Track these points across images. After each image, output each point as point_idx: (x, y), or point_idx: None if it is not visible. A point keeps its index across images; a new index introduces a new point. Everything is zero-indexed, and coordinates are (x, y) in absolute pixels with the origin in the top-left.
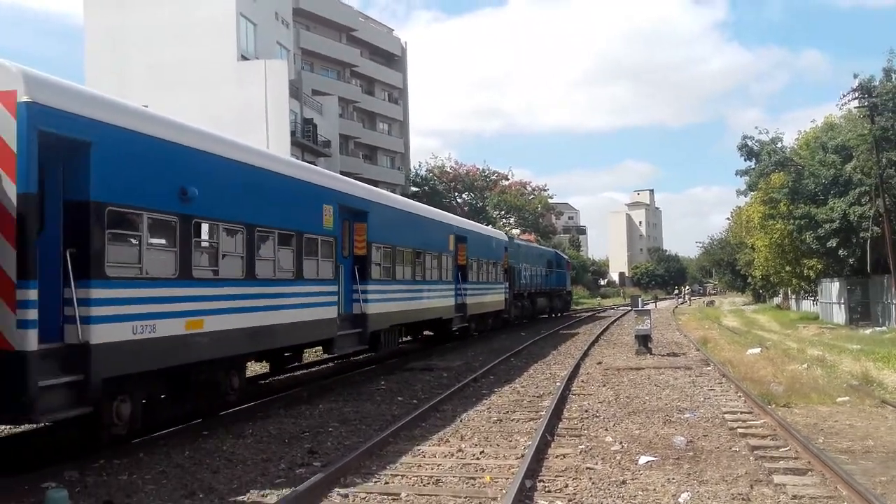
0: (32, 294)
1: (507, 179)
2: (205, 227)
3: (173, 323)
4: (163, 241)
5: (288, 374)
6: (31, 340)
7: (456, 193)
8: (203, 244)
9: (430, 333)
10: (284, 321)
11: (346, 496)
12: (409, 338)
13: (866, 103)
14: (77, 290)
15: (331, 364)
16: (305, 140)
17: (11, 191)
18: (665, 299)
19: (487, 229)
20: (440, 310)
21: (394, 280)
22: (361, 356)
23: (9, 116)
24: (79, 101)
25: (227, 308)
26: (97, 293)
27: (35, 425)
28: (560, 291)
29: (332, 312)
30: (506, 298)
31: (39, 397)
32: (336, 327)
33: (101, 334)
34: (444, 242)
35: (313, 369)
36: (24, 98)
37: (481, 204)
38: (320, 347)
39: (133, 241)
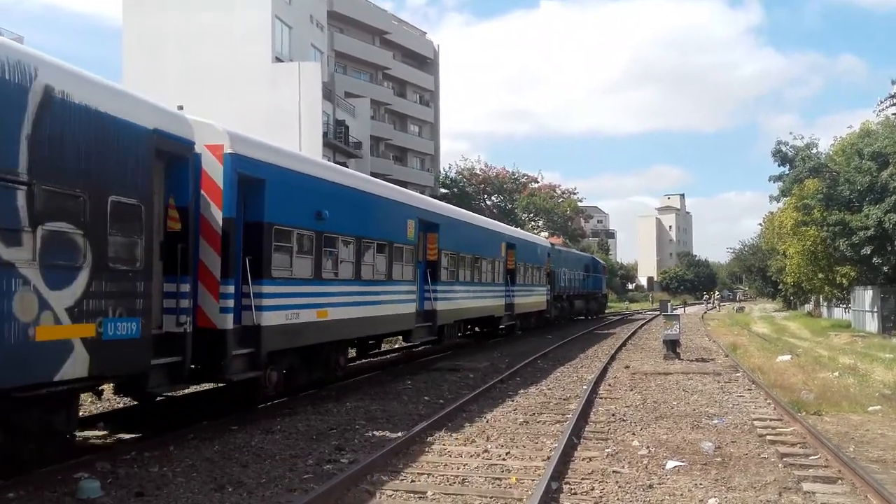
0: (230, 289)
1: (537, 182)
2: (331, 240)
3: (310, 312)
4: (305, 251)
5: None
6: (228, 322)
7: (485, 196)
8: (329, 253)
9: (477, 329)
10: (379, 314)
11: (373, 494)
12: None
13: None
14: (253, 287)
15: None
16: (337, 141)
17: (218, 215)
18: (694, 304)
19: (533, 237)
20: (493, 308)
21: (457, 282)
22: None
23: (217, 162)
24: (258, 150)
25: (343, 302)
26: (266, 289)
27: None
28: (596, 294)
29: (411, 308)
30: (547, 300)
31: (232, 363)
32: (414, 320)
33: (267, 319)
34: (497, 249)
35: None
36: (228, 150)
37: (510, 206)
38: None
39: (287, 251)
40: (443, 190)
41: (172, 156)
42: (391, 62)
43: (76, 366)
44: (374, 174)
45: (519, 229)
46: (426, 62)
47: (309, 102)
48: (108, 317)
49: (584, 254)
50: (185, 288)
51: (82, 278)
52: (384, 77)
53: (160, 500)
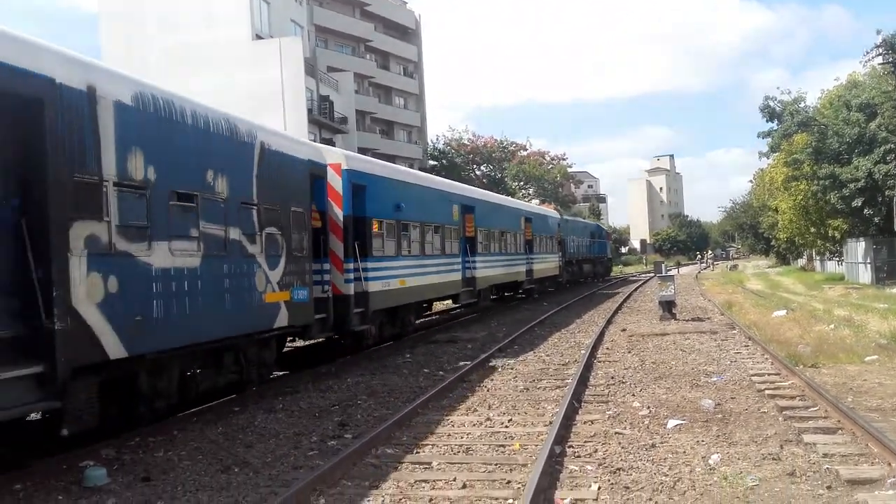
0: (350, 266)
1: (525, 150)
2: (405, 226)
3: (395, 281)
4: (390, 236)
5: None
6: (350, 288)
7: (474, 166)
8: (405, 236)
9: (505, 294)
10: (437, 281)
11: (379, 467)
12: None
13: (890, 59)
14: (361, 263)
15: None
16: (322, 117)
17: (340, 214)
18: (687, 265)
19: (545, 210)
20: (517, 274)
21: (489, 253)
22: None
23: (337, 176)
24: (362, 164)
25: (414, 273)
26: (370, 265)
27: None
28: (602, 258)
29: (457, 276)
30: (560, 265)
31: (352, 318)
32: (460, 286)
33: (372, 287)
34: (518, 223)
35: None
36: (345, 167)
37: (500, 175)
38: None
39: (380, 236)
40: (431, 162)
41: (316, 175)
42: (373, 34)
43: (281, 319)
44: (361, 149)
45: (533, 203)
46: (408, 32)
47: (292, 79)
48: (294, 287)
49: (589, 222)
50: (326, 266)
51: (283, 262)
52: (366, 50)
53: (167, 484)
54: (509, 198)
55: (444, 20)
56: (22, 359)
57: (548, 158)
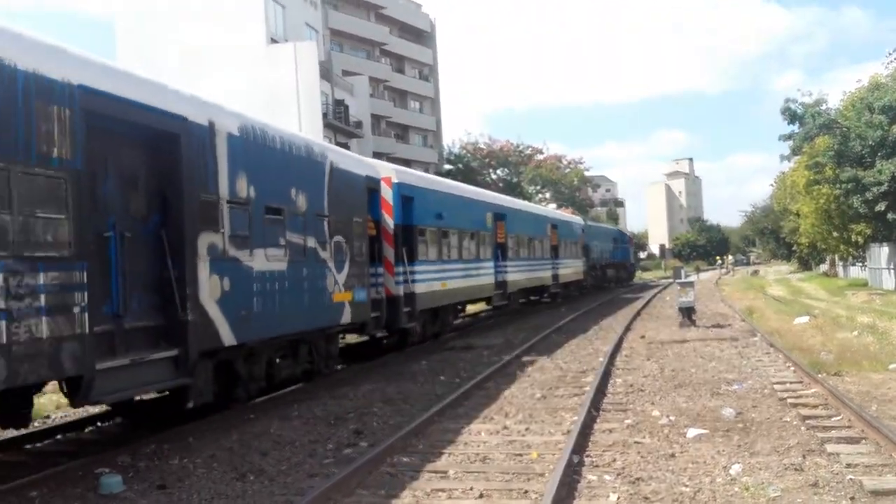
0: (400, 269)
1: (542, 153)
2: (445, 233)
3: (437, 284)
4: (433, 242)
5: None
6: (399, 290)
7: (490, 170)
8: (445, 241)
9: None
10: (473, 284)
11: (395, 476)
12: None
13: None
14: (409, 267)
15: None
16: (337, 121)
17: (391, 223)
18: (707, 270)
19: (570, 216)
20: (544, 279)
21: (519, 258)
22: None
23: (388, 189)
24: (409, 178)
25: (453, 276)
26: (417, 268)
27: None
28: (625, 263)
29: (491, 280)
30: (584, 270)
31: (402, 317)
32: (493, 289)
33: (418, 288)
34: (544, 229)
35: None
36: (395, 180)
37: (516, 180)
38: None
39: (424, 242)
40: (447, 166)
41: (372, 189)
42: (388, 37)
43: (345, 316)
44: (376, 154)
45: (559, 211)
46: (423, 35)
47: (306, 83)
48: (355, 288)
49: (611, 227)
50: (380, 270)
51: (347, 266)
52: (381, 53)
53: (182, 491)
54: (537, 205)
55: (458, 24)
56: (163, 343)
57: (564, 162)
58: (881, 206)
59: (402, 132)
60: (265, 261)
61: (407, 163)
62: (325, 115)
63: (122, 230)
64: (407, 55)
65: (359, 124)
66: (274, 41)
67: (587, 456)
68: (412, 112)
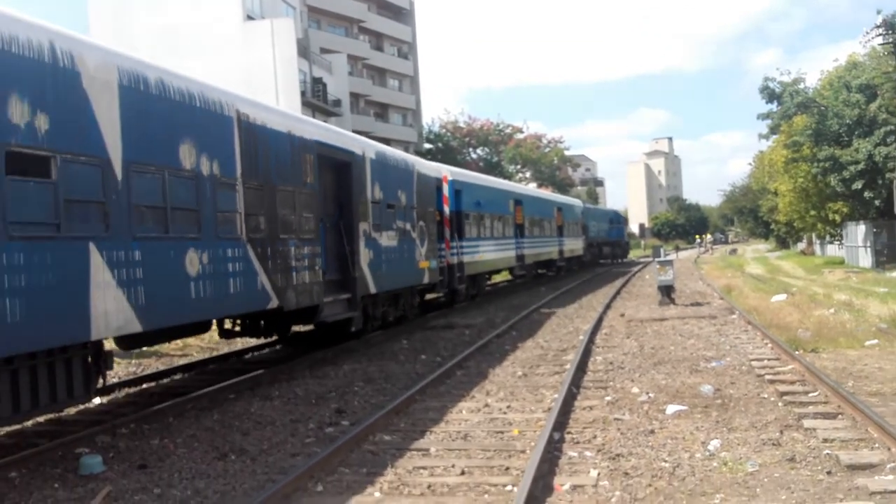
0: (454, 244)
1: (522, 132)
2: (480, 217)
3: (477, 255)
4: (474, 223)
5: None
6: (454, 260)
7: (470, 149)
8: (481, 223)
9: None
10: (501, 256)
11: (377, 454)
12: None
13: (891, 40)
14: (458, 242)
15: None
16: (315, 100)
17: (447, 210)
18: (686, 249)
19: (572, 200)
20: (551, 254)
21: (534, 236)
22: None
23: (444, 184)
24: (460, 175)
25: (487, 250)
26: (464, 244)
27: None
28: (619, 241)
29: (512, 253)
30: (583, 247)
31: (455, 280)
32: (514, 261)
33: (465, 258)
34: (552, 212)
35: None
36: (450, 178)
37: (496, 159)
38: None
39: (468, 223)
40: (427, 145)
41: (437, 186)
42: (366, 14)
43: (426, 278)
44: (356, 132)
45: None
46: (402, 13)
47: (284, 61)
48: (430, 258)
49: (608, 209)
50: (442, 246)
51: (426, 243)
52: (360, 31)
53: (163, 471)
54: (545, 192)
55: (437, 1)
56: (342, 290)
57: (544, 141)
58: (858, 185)
59: (382, 111)
60: (387, 239)
61: (386, 141)
62: (303, 94)
63: (325, 222)
64: (386, 32)
65: (337, 102)
66: (250, 18)
67: (568, 433)
68: (391, 90)
